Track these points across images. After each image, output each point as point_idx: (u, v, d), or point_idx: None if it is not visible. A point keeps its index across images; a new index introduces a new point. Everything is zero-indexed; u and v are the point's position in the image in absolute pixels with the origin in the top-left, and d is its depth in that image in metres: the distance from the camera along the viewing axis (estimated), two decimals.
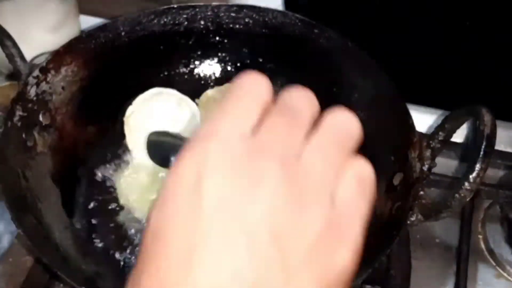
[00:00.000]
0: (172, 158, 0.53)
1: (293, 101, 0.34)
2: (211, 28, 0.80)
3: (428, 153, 0.61)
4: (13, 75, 0.72)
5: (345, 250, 0.31)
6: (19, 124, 0.66)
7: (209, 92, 0.81)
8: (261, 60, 0.82)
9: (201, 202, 0.29)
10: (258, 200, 0.29)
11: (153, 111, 0.77)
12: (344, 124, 0.34)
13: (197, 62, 0.84)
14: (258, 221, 0.29)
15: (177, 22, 0.79)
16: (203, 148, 0.31)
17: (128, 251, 0.67)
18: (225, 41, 0.82)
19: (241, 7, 0.79)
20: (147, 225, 0.32)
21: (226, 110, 0.33)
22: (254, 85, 0.34)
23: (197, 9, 0.79)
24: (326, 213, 0.30)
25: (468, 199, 0.53)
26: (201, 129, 0.32)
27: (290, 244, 0.29)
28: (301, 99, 0.35)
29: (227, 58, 0.83)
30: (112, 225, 0.69)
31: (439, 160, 0.62)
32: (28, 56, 0.74)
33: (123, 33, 0.77)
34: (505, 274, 0.72)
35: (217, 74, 0.84)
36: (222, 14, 0.79)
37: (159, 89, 0.79)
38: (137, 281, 0.30)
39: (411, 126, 0.64)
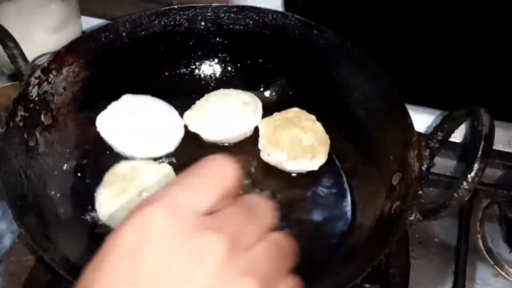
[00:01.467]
0: None
1: (256, 203, 0.35)
2: (211, 29, 0.81)
3: (426, 152, 0.61)
4: (15, 76, 0.72)
5: None
6: (21, 124, 0.66)
7: (276, 117, 0.78)
8: (261, 60, 0.82)
9: (138, 273, 0.29)
10: (195, 284, 0.29)
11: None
12: (287, 246, 0.35)
13: (197, 63, 0.84)
14: None
15: (177, 23, 0.80)
16: (149, 212, 0.30)
17: None
18: (226, 41, 0.82)
19: (241, 8, 0.79)
20: (80, 281, 0.31)
21: (184, 183, 0.32)
22: (223, 170, 0.34)
23: (198, 10, 0.79)
24: None
25: (466, 199, 0.53)
26: (153, 195, 0.32)
27: None
28: (264, 206, 0.35)
29: (228, 59, 0.84)
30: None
31: (437, 159, 0.62)
32: (30, 56, 0.74)
33: (124, 34, 0.77)
34: (503, 273, 0.73)
35: (218, 75, 0.84)
36: (223, 15, 0.80)
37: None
38: None
39: (410, 126, 0.64)
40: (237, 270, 0.30)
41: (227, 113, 0.76)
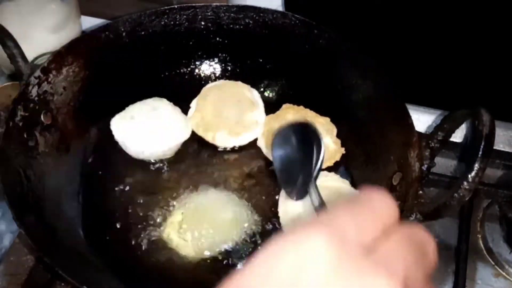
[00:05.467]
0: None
1: (423, 239, 0.31)
2: (211, 29, 0.81)
3: (427, 152, 0.61)
4: (15, 75, 0.72)
5: None
6: (20, 124, 0.66)
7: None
8: (261, 60, 0.82)
9: None
10: None
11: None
12: None
13: (197, 62, 0.84)
14: None
15: (177, 22, 0.80)
16: (313, 240, 0.27)
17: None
18: (226, 41, 0.82)
19: (241, 7, 0.79)
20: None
21: (351, 211, 0.30)
22: (386, 203, 0.31)
23: (198, 10, 0.79)
24: None
25: (467, 199, 0.53)
26: (318, 218, 0.30)
27: None
28: (431, 243, 0.32)
29: (228, 58, 0.84)
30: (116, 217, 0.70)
31: (438, 159, 0.62)
32: (30, 56, 0.74)
33: (124, 34, 0.77)
34: (503, 273, 0.72)
35: (218, 74, 0.84)
36: (223, 14, 0.80)
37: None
38: None
39: (411, 126, 0.64)
40: None
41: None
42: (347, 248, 0.27)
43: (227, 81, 0.82)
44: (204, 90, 0.80)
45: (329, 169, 0.73)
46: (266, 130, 0.76)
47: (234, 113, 0.77)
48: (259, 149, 0.77)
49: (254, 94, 0.80)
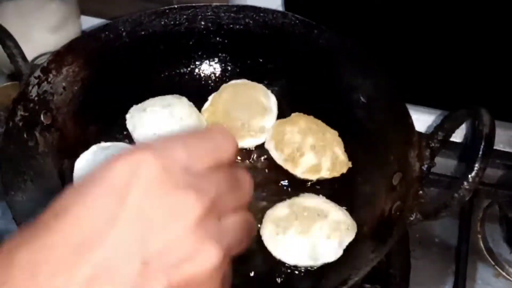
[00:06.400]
0: None
1: (242, 178, 0.36)
2: (211, 29, 0.81)
3: (427, 152, 0.61)
4: (15, 75, 0.72)
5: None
6: (20, 124, 0.66)
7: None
8: (261, 60, 0.82)
9: (119, 209, 0.30)
10: (166, 235, 0.30)
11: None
12: (252, 227, 0.37)
13: (197, 62, 0.84)
14: (157, 254, 0.30)
15: (177, 22, 0.80)
16: (144, 157, 0.31)
17: None
18: (226, 41, 0.82)
19: (241, 7, 0.79)
20: (58, 199, 0.32)
21: (185, 141, 0.34)
22: (224, 141, 0.35)
23: (198, 10, 0.79)
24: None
25: (467, 199, 0.53)
26: (154, 142, 0.33)
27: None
28: (248, 182, 0.37)
29: (228, 58, 0.84)
30: None
31: (438, 159, 0.62)
32: (30, 56, 0.74)
33: (124, 34, 0.77)
34: (504, 273, 0.72)
35: (218, 74, 0.84)
36: (223, 14, 0.80)
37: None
38: (19, 244, 0.30)
39: (411, 125, 0.64)
40: (206, 234, 0.31)
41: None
42: (170, 166, 0.31)
43: (246, 81, 0.81)
44: (223, 86, 0.81)
45: (335, 179, 0.73)
46: (276, 132, 0.76)
47: (242, 116, 0.77)
48: (267, 151, 0.76)
49: (271, 100, 0.80)
